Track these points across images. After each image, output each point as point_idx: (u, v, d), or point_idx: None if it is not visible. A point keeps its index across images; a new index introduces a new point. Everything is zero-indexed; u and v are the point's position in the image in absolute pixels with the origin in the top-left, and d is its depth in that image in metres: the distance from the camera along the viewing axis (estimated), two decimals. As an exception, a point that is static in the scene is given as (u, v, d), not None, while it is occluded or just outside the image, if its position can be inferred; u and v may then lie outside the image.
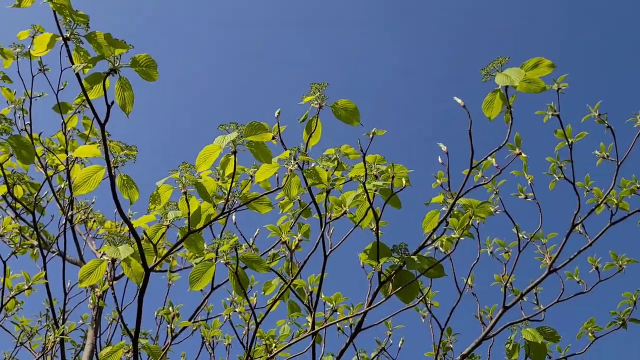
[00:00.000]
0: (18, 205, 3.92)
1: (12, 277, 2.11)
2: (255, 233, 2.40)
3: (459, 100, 2.15)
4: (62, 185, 3.76)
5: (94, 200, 3.78)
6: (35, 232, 3.15)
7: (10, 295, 2.09)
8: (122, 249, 1.83)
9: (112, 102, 1.73)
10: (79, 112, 3.67)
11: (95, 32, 1.71)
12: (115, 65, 1.73)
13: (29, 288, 2.10)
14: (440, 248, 2.36)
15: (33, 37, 3.59)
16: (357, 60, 8.23)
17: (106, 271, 1.96)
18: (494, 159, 2.35)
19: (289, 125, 2.37)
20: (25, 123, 3.76)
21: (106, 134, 3.14)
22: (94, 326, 2.74)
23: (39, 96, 3.75)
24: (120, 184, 1.86)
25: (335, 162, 2.48)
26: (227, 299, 2.40)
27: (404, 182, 2.19)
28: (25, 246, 2.14)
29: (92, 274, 1.94)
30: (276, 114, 2.29)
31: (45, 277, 2.85)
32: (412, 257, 2.11)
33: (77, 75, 1.69)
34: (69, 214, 2.93)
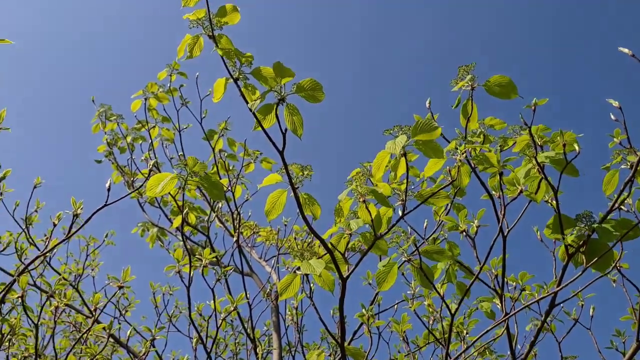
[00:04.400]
0: (186, 227, 4.32)
1: (219, 300, 2.33)
2: (425, 224, 2.42)
3: (626, 50, 1.99)
4: (221, 205, 4.07)
5: (250, 213, 4.04)
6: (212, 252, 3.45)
7: (222, 317, 2.31)
8: (314, 264, 1.94)
9: (286, 129, 1.84)
10: (222, 135, 3.95)
11: (259, 68, 1.82)
12: (282, 94, 1.83)
13: (235, 309, 2.31)
14: (623, 207, 2.21)
15: (171, 75, 3.94)
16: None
17: (301, 285, 2.09)
18: (675, 105, 2.14)
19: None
20: (179, 153, 4.13)
21: (254, 152, 3.30)
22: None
23: (185, 128, 4.09)
24: (303, 202, 1.97)
25: (482, 137, 2.43)
26: (408, 292, 2.45)
27: (576, 148, 2.09)
28: (229, 272, 2.35)
29: (289, 288, 2.08)
30: (427, 104, 2.28)
31: (230, 293, 3.12)
32: (603, 226, 2.00)
33: (251, 110, 1.82)
34: (239, 230, 3.16)
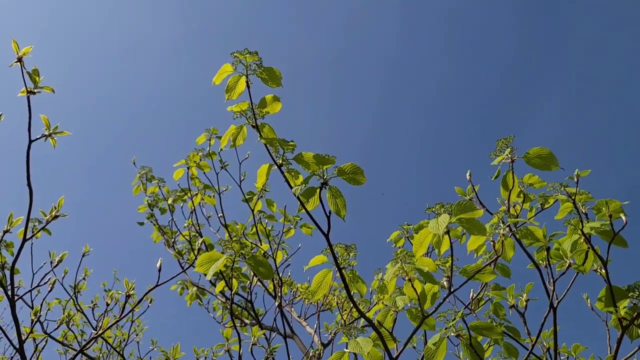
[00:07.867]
0: (225, 288, 4.37)
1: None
2: (471, 294, 2.39)
3: None
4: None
5: (290, 273, 4.06)
6: (253, 315, 3.47)
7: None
8: (362, 343, 1.94)
9: (330, 212, 1.88)
10: (261, 197, 4.02)
11: (302, 153, 1.88)
12: (325, 178, 1.87)
13: (284, 386, 2.31)
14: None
15: (210, 140, 4.07)
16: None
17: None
18: None
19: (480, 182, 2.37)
20: (219, 215, 4.21)
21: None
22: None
23: (225, 190, 4.19)
24: (348, 280, 1.99)
25: (521, 196, 2.42)
26: (456, 362, 2.41)
27: (623, 218, 2.05)
28: (275, 352, 2.36)
29: (338, 364, 2.09)
30: (468, 176, 2.30)
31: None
32: (657, 298, 1.95)
33: (295, 195, 1.87)
34: (280, 294, 3.18)
